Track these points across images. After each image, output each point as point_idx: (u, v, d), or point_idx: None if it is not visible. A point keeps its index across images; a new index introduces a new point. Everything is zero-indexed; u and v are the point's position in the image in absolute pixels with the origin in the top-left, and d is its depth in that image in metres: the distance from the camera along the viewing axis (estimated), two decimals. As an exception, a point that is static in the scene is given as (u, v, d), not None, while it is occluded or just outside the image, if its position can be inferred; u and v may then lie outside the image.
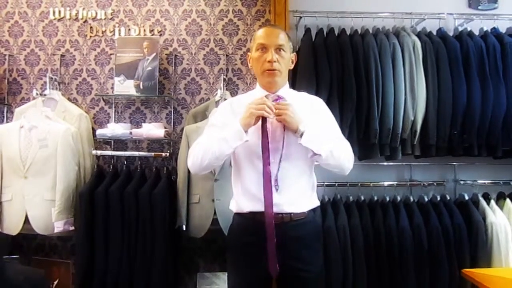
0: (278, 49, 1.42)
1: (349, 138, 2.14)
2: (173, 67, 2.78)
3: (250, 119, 1.35)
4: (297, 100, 1.46)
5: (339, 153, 1.40)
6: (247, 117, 1.35)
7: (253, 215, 1.39)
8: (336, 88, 2.33)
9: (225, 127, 1.40)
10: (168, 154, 2.59)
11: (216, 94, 2.56)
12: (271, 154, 1.38)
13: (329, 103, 2.17)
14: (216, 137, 1.38)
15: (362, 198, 2.44)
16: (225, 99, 2.05)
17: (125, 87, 2.63)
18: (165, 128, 2.66)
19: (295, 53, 1.54)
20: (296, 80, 2.36)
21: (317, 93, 2.19)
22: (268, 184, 1.35)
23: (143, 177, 2.54)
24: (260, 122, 1.38)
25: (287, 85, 1.52)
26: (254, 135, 1.39)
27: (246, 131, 1.35)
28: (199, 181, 2.34)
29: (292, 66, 1.53)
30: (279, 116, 1.35)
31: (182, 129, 2.58)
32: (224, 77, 2.64)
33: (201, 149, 1.40)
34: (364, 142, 2.37)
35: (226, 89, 2.62)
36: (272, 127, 1.40)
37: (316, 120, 1.44)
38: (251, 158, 1.41)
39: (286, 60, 1.45)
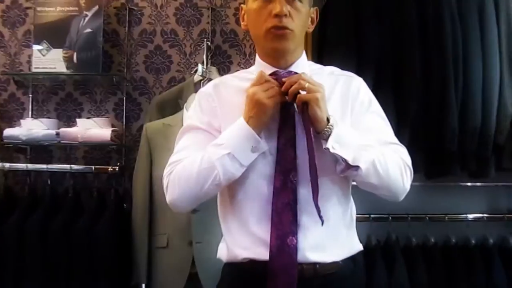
0: None
1: (409, 143, 2.14)
2: (126, 29, 2.80)
3: (265, 113, 1.34)
4: (323, 80, 1.44)
5: (388, 165, 1.38)
6: (258, 110, 1.34)
7: (253, 265, 1.39)
8: (389, 64, 2.36)
9: (215, 131, 1.42)
10: (117, 168, 2.61)
11: (196, 71, 2.55)
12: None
13: (377, 88, 2.15)
14: (213, 152, 1.35)
15: (432, 240, 2.46)
16: (210, 80, 2.06)
17: (50, 60, 2.65)
18: (113, 126, 2.68)
19: (316, 8, 1.54)
20: (324, 52, 2.38)
21: (358, 72, 2.21)
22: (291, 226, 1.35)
23: (78, 205, 2.56)
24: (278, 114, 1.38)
25: (304, 56, 1.53)
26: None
27: (260, 135, 1.35)
28: (168, 212, 2.30)
29: (312, 28, 1.54)
30: (304, 102, 1.33)
31: (140, 128, 2.60)
32: (209, 43, 2.67)
33: (192, 174, 1.37)
34: (434, 150, 2.39)
35: (212, 64, 2.64)
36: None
37: (352, 112, 1.45)
38: (252, 176, 1.40)
39: (303, 16, 1.45)
